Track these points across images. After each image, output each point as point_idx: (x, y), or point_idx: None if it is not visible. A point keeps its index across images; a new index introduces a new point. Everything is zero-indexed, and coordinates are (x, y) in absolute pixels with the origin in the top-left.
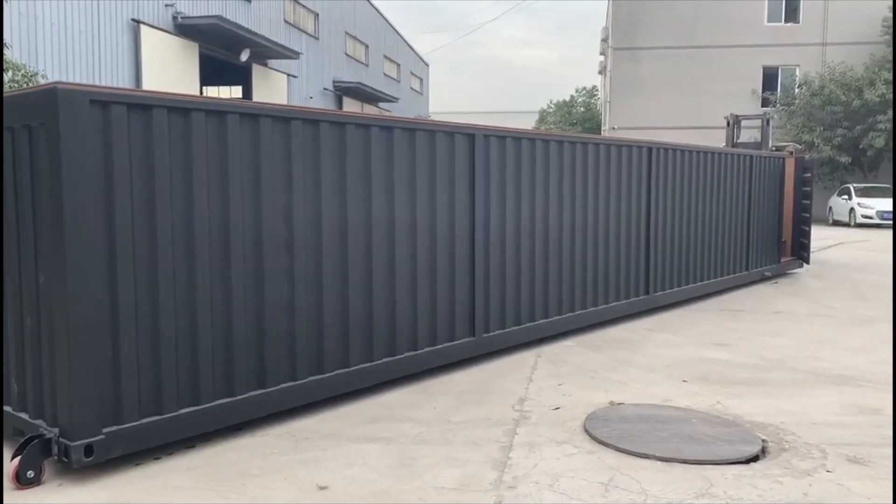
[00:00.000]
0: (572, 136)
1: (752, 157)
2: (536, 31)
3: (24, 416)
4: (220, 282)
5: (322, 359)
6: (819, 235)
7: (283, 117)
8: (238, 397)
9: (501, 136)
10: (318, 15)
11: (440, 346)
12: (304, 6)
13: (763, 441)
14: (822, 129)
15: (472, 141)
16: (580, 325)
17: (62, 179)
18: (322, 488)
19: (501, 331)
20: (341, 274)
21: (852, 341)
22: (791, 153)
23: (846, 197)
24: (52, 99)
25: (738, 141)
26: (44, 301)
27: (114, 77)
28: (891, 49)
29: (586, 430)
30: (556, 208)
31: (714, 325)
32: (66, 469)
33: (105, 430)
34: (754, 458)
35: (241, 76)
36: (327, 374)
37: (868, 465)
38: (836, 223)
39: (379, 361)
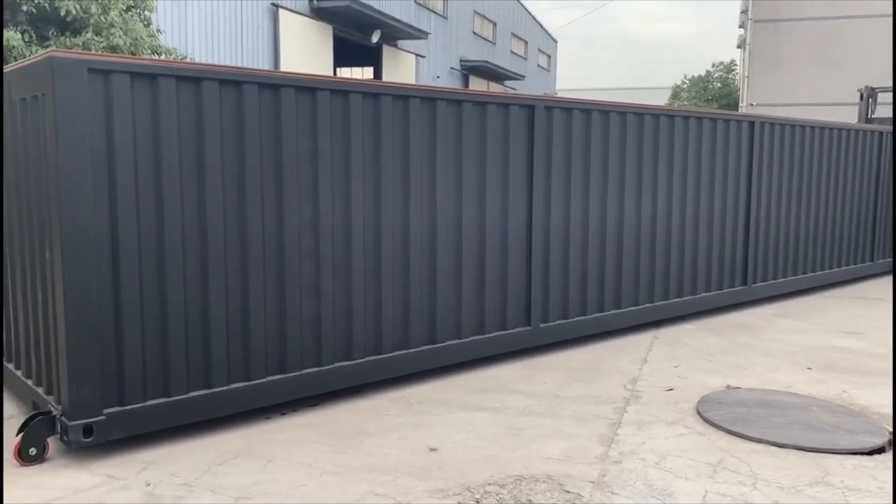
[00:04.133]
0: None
1: (881, 133)
2: (671, 4)
3: (40, 390)
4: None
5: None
6: None
7: (342, 91)
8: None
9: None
10: None
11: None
12: None
13: (890, 433)
14: None
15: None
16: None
17: (58, 148)
18: (432, 450)
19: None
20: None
21: None
22: None
23: None
24: (48, 68)
25: (874, 116)
26: (49, 276)
27: (254, 59)
28: None
29: (699, 412)
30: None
31: (846, 312)
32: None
33: (106, 410)
34: (879, 451)
35: (372, 57)
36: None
37: None
38: None
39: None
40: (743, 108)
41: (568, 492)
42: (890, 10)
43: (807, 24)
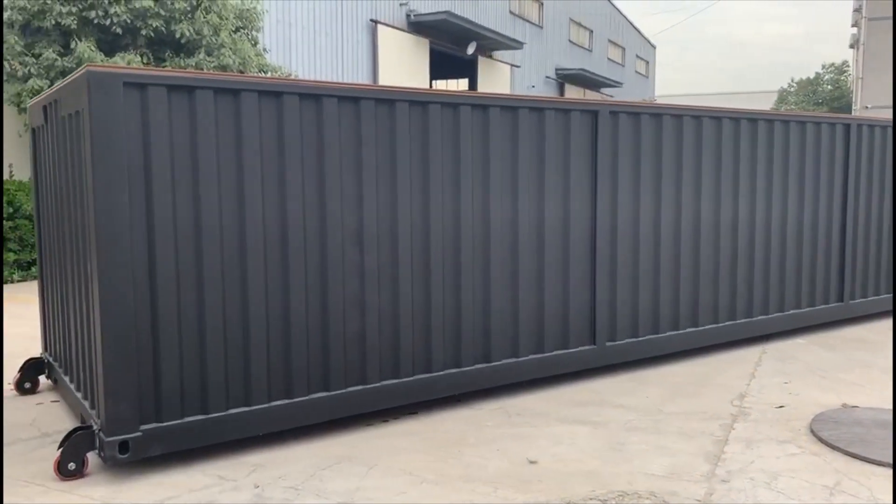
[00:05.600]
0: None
1: None
2: (777, 4)
3: (86, 404)
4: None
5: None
6: None
7: (387, 99)
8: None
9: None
10: (542, 3)
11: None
12: None
13: None
14: None
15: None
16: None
17: (94, 161)
18: (532, 462)
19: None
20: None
21: None
22: None
23: None
24: (84, 83)
25: None
26: (90, 290)
27: (354, 74)
28: None
29: (812, 431)
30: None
31: None
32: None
33: (143, 427)
34: None
35: (468, 69)
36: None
37: None
38: None
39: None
40: (856, 111)
41: None
42: None
43: None
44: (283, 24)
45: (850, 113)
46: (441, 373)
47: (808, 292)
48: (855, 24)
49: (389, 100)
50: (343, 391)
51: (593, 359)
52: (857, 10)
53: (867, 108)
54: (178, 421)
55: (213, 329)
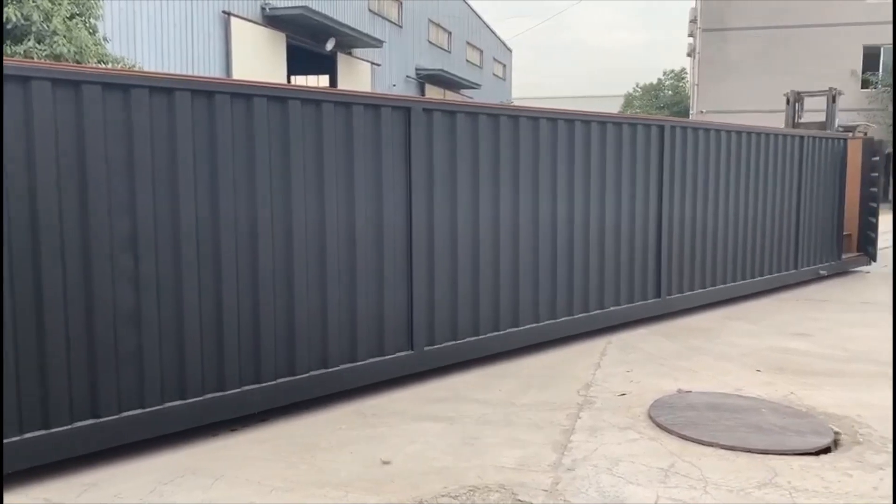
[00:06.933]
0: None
1: (801, 138)
2: (623, 13)
3: None
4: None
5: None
6: None
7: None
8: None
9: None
10: (401, 3)
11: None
12: None
13: (836, 433)
14: None
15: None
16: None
17: None
18: (385, 463)
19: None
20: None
21: None
22: (864, 134)
23: None
24: None
25: (800, 121)
26: None
27: (205, 68)
28: None
29: (650, 417)
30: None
31: (796, 314)
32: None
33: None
34: (825, 451)
35: (327, 65)
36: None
37: None
38: None
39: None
40: (693, 116)
41: (521, 501)
42: (832, 20)
43: (754, 33)
44: (126, 13)
45: (689, 116)
46: (238, 390)
47: (626, 290)
48: (691, 35)
49: (167, 88)
50: (161, 407)
51: (410, 365)
52: (693, 21)
53: (702, 112)
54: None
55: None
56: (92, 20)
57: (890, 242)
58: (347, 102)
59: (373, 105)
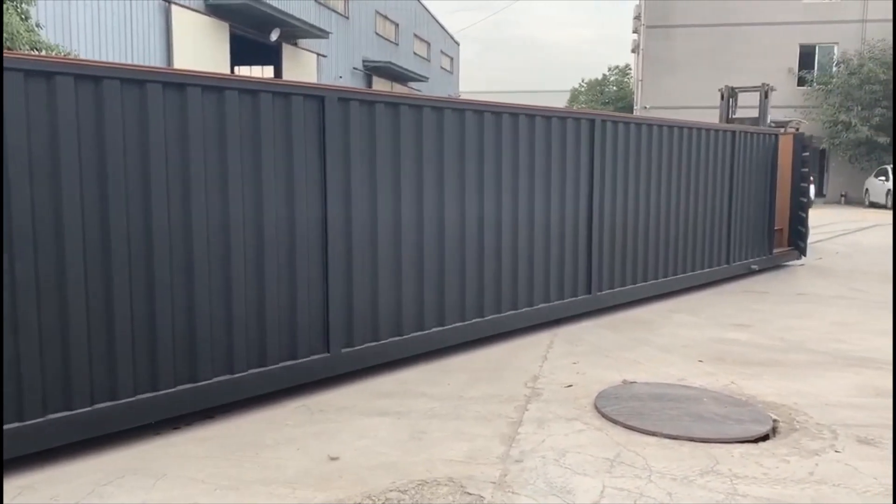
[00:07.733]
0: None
1: (733, 133)
2: (569, 9)
3: None
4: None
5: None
6: (853, 217)
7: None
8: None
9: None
10: None
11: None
12: None
13: (774, 421)
14: (860, 108)
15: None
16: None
17: None
18: (333, 459)
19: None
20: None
21: (876, 324)
22: (796, 129)
23: (883, 178)
24: None
25: (734, 116)
26: None
27: (145, 58)
28: None
29: (596, 408)
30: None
31: (737, 306)
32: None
33: None
34: (764, 438)
35: (272, 56)
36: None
37: (878, 447)
38: (873, 205)
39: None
40: (637, 111)
41: (469, 493)
42: (771, 19)
43: (697, 30)
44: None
45: (633, 112)
46: (130, 399)
47: (556, 286)
48: (635, 31)
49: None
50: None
51: (325, 369)
52: (638, 18)
53: (646, 108)
54: None
55: None
56: (24, 6)
57: (821, 237)
58: (254, 90)
59: (282, 93)
